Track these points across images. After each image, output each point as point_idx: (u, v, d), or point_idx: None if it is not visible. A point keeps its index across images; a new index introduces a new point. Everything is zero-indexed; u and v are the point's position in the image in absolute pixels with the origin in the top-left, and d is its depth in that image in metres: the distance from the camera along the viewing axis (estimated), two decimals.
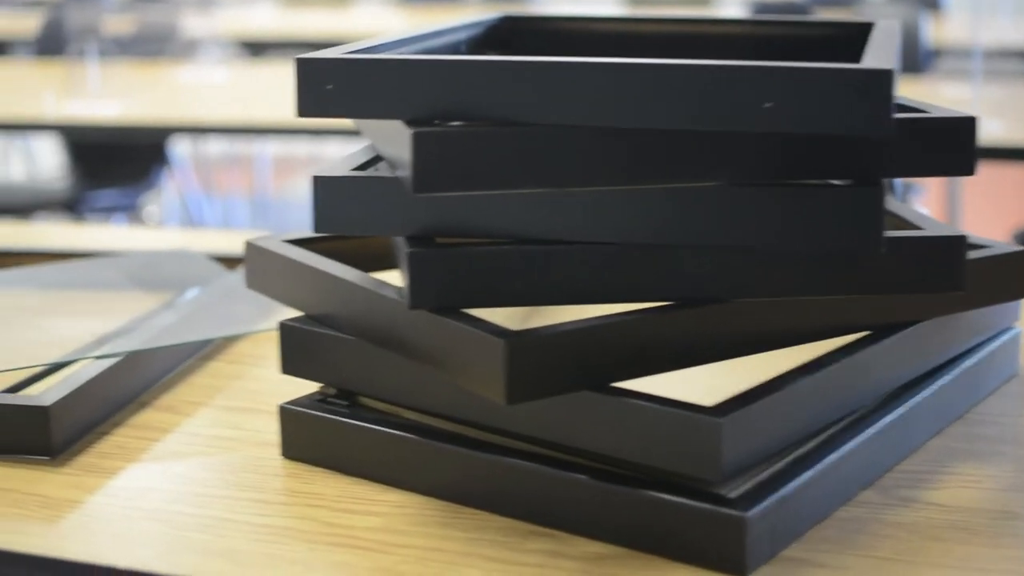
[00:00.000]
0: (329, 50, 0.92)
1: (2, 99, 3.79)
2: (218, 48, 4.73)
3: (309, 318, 1.02)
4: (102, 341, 1.22)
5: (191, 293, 1.37)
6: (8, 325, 1.30)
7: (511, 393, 0.85)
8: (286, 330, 1.02)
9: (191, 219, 5.04)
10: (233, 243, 1.59)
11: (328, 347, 1.00)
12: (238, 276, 1.31)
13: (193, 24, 4.88)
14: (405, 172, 0.87)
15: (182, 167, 4.81)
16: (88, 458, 1.02)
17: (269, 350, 1.23)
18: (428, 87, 0.86)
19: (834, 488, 0.90)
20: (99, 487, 0.97)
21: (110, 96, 3.48)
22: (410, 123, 0.86)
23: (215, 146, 5.79)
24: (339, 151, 6.42)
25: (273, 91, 3.88)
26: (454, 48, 1.13)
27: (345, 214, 0.93)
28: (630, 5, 6.17)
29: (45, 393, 1.02)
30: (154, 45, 4.47)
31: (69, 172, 4.17)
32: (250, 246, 1.08)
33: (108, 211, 4.02)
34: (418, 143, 0.85)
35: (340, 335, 0.99)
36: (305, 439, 1.00)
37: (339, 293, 0.98)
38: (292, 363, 1.03)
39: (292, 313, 1.04)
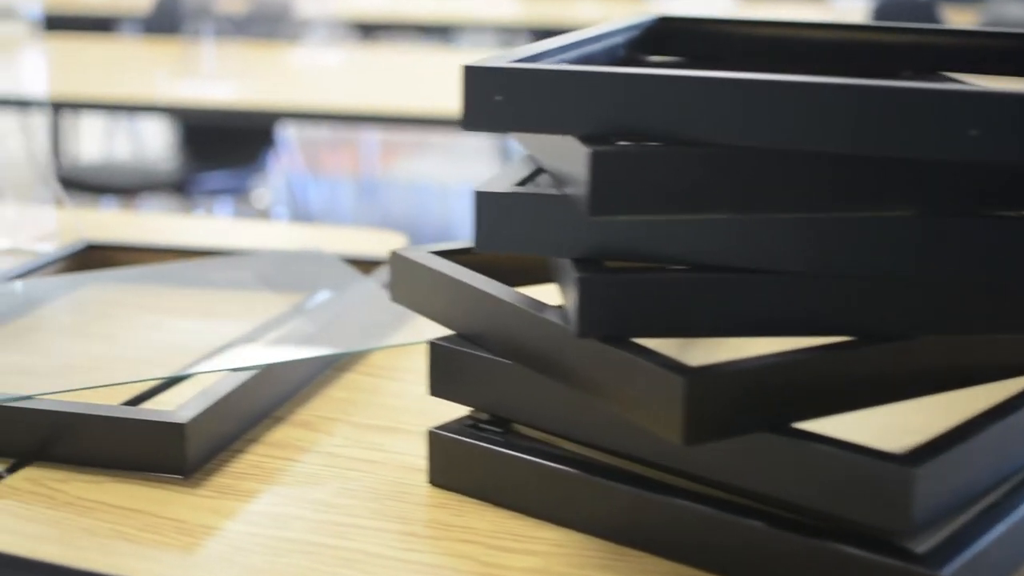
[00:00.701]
0: (495, 58, 0.86)
1: (112, 78, 3.77)
2: (330, 29, 4.69)
3: (459, 337, 0.97)
4: (231, 347, 1.17)
5: (321, 296, 1.32)
6: (132, 327, 1.26)
7: (689, 433, 0.79)
8: (436, 350, 0.97)
9: (296, 202, 5.01)
10: (364, 244, 1.54)
11: (481, 370, 0.94)
12: (372, 282, 1.25)
13: (306, 4, 4.84)
14: (578, 191, 0.81)
15: (288, 148, 4.77)
16: (223, 479, 0.96)
17: (406, 362, 1.17)
18: (607, 101, 0.80)
19: None
20: (237, 512, 0.91)
21: (223, 77, 3.45)
22: (585, 140, 0.80)
23: (321, 127, 5.76)
24: (445, 140, 6.38)
25: (385, 75, 3.83)
26: (612, 53, 1.07)
27: (508, 232, 0.87)
28: (743, 4, 6.06)
29: (180, 409, 0.97)
30: (267, 25, 4.43)
31: (178, 153, 4.14)
32: (395, 257, 1.03)
33: (216, 193, 3.99)
34: (596, 163, 0.78)
35: (494, 358, 0.93)
36: (455, 467, 0.95)
37: (494, 313, 0.93)
38: (441, 385, 0.97)
39: (435, 328, 0.98)
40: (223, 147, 3.92)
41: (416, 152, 6.76)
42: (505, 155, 5.32)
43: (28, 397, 0.99)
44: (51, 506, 0.92)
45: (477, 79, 0.82)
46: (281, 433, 1.04)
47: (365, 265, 1.37)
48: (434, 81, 3.58)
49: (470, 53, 3.97)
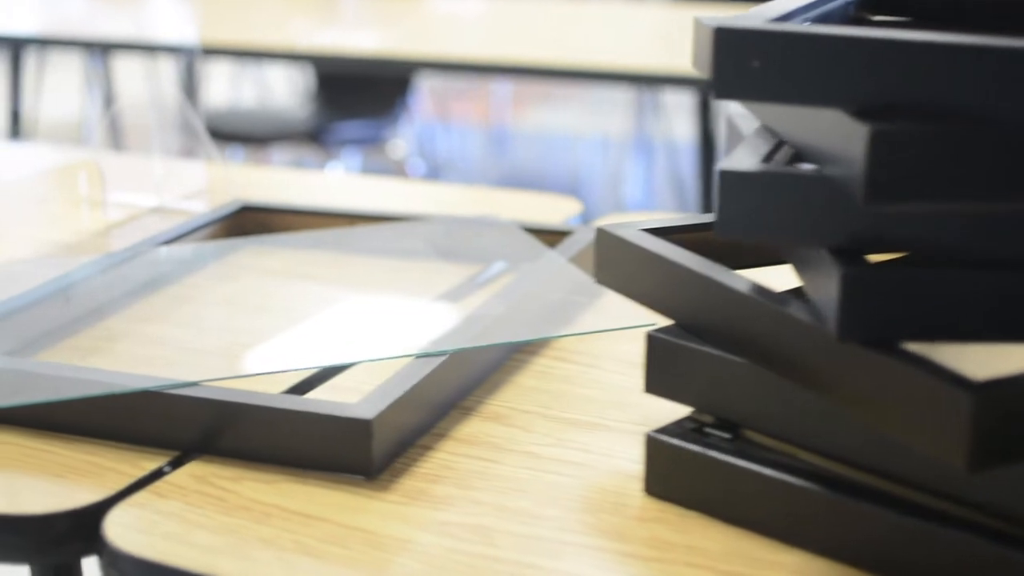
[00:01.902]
0: (747, 17, 0.74)
1: (243, 23, 3.68)
2: None
3: (679, 328, 0.85)
4: (406, 326, 1.07)
5: (497, 267, 1.21)
6: (293, 300, 1.16)
7: (974, 458, 0.67)
8: (655, 343, 0.85)
9: (424, 151, 4.92)
10: (536, 210, 1.43)
11: (707, 367, 0.83)
12: (558, 256, 1.14)
13: None
14: (847, 174, 0.69)
15: (419, 96, 4.67)
16: (413, 481, 0.86)
17: (601, 347, 1.07)
18: (889, 72, 0.68)
19: None
20: (431, 523, 0.81)
21: (364, 26, 3.35)
22: (859, 116, 0.68)
23: (455, 77, 5.65)
24: (579, 91, 6.24)
25: (521, 26, 3.71)
26: (844, 12, 0.95)
27: (757, 216, 0.75)
28: None
29: (365, 402, 0.86)
30: None
31: (312, 102, 4.05)
32: (602, 234, 0.91)
33: (351, 143, 3.89)
34: (877, 144, 0.66)
35: (724, 354, 0.81)
36: (676, 476, 0.83)
37: (725, 304, 0.81)
38: (659, 381, 0.86)
39: (631, 309, 0.87)
40: (358, 97, 3.83)
41: (547, 102, 6.64)
42: (639, 108, 5.19)
43: (193, 384, 0.89)
44: (223, 510, 0.82)
45: (731, 42, 0.71)
46: (472, 427, 0.93)
47: (543, 235, 1.25)
48: (568, 32, 3.46)
49: (602, 6, 3.84)
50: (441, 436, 0.92)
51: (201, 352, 1.05)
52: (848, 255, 0.73)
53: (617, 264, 0.90)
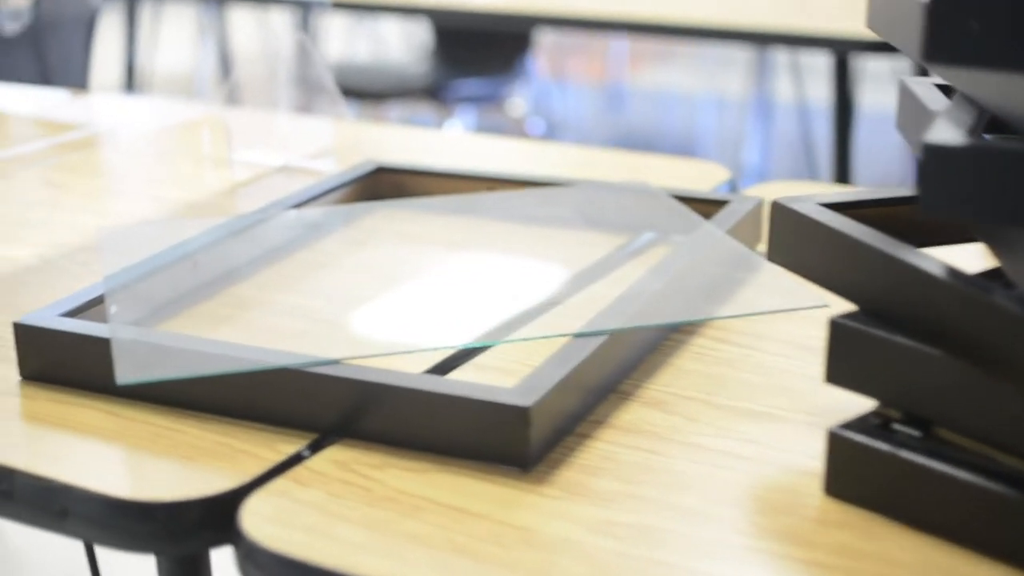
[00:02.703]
0: None
1: None
2: None
3: (864, 314, 0.77)
4: (555, 301, 1.00)
5: (646, 237, 1.14)
6: (431, 269, 1.09)
7: None
8: (839, 330, 0.78)
9: (540, 109, 4.84)
10: (681, 176, 1.35)
11: (896, 358, 0.75)
12: (714, 227, 1.06)
13: None
14: None
15: (535, 53, 4.59)
16: (572, 473, 0.79)
17: (764, 327, 0.99)
18: None
19: None
20: (595, 521, 0.74)
21: None
22: None
23: (571, 33, 5.57)
24: (696, 49, 6.13)
25: None
26: None
27: (963, 194, 0.67)
28: None
29: (522, 388, 0.80)
30: None
31: (430, 57, 3.98)
32: (778, 208, 0.84)
33: (470, 101, 3.82)
34: None
35: (915, 344, 0.74)
36: (861, 477, 0.76)
37: (916, 289, 0.73)
38: (841, 371, 0.78)
39: (801, 290, 0.80)
40: (477, 53, 3.75)
41: (664, 60, 6.54)
42: (761, 68, 5.08)
43: (335, 362, 0.82)
44: (369, 501, 0.76)
45: (948, 2, 0.63)
46: (631, 414, 0.86)
47: (693, 203, 1.18)
48: None
49: None
50: (599, 423, 0.85)
51: (338, 325, 0.99)
52: None
53: (793, 241, 0.83)
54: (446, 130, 3.88)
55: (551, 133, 5.15)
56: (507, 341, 0.92)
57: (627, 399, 0.88)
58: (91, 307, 0.94)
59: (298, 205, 1.16)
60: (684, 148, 5.72)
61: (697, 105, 6.08)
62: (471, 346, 0.91)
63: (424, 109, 4.10)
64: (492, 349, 0.94)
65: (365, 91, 3.83)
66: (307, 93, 1.50)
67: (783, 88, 5.40)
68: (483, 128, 4.52)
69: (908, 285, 0.74)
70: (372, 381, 0.81)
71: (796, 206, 0.83)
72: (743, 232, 1.09)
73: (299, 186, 1.32)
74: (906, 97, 0.94)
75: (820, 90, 4.43)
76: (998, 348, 0.69)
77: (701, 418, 0.86)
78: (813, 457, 0.80)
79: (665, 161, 1.44)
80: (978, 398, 0.72)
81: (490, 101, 3.94)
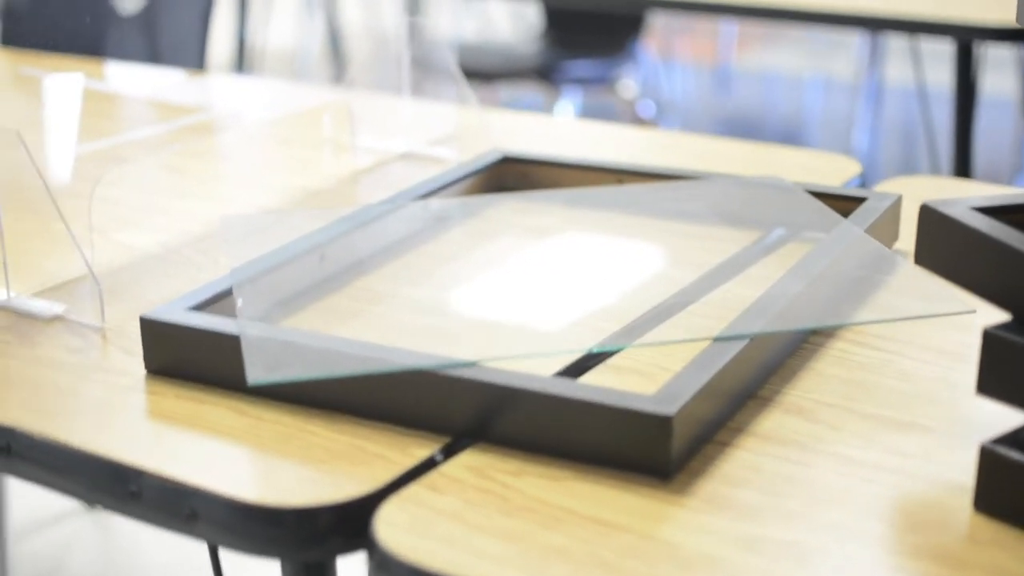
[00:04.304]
0: None
1: None
2: None
3: (1020, 324, 0.74)
4: (687, 300, 0.97)
5: (779, 233, 1.11)
6: (557, 263, 1.06)
7: None
8: (992, 341, 0.74)
9: (648, 91, 4.80)
10: (812, 169, 1.32)
11: None
12: (853, 227, 1.03)
13: None
14: None
15: (645, 35, 4.55)
16: (715, 484, 0.77)
17: (903, 332, 0.97)
18: None
19: None
20: (741, 537, 0.72)
21: None
22: None
23: (681, 16, 5.52)
24: (804, 32, 6.05)
25: None
26: None
27: None
28: None
29: (663, 395, 0.77)
30: None
31: (542, 38, 3.95)
32: (928, 212, 0.81)
33: (582, 82, 3.79)
34: None
35: None
36: (1015, 494, 0.73)
37: None
38: (994, 383, 0.75)
39: (946, 293, 0.77)
40: (588, 34, 3.72)
41: (772, 42, 6.47)
42: (873, 51, 5.00)
43: (471, 364, 0.80)
44: (506, 511, 0.74)
45: None
46: (773, 421, 0.84)
47: (828, 199, 1.15)
48: None
49: None
50: (739, 431, 0.82)
51: (469, 322, 0.97)
52: None
53: (944, 247, 0.80)
54: (558, 114, 3.86)
55: (660, 115, 5.11)
56: (645, 344, 0.90)
57: (767, 405, 0.85)
58: (218, 300, 0.93)
59: (424, 196, 1.14)
60: (791, 131, 5.65)
61: (805, 87, 6.02)
62: (608, 349, 0.89)
63: (533, 90, 4.07)
64: (627, 350, 0.91)
65: (473, 71, 3.80)
66: (425, 75, 1.48)
67: (894, 72, 5.33)
68: (592, 110, 4.49)
69: None
70: (508, 385, 0.79)
71: (948, 210, 0.80)
72: (880, 231, 1.06)
73: (421, 174, 1.30)
74: None
75: (937, 75, 4.36)
76: None
77: (845, 427, 0.83)
78: (963, 471, 0.77)
79: (792, 153, 1.41)
80: None
81: (600, 83, 3.90)
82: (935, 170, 3.81)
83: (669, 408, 0.76)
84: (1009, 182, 4.68)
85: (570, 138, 1.50)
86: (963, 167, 2.88)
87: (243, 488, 0.76)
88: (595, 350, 0.89)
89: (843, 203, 1.12)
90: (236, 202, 1.25)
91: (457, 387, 0.80)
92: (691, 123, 5.55)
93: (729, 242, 1.10)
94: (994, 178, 4.74)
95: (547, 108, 3.78)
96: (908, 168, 5.00)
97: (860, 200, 1.12)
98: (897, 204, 1.10)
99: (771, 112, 5.81)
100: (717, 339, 0.84)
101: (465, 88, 1.40)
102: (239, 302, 0.92)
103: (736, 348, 0.83)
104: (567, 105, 3.81)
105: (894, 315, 0.92)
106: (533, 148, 1.41)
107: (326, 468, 0.78)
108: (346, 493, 0.76)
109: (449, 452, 0.80)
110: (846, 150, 5.13)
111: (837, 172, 1.33)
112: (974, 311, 0.85)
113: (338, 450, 0.80)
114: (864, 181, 1.33)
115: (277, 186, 1.29)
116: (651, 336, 0.92)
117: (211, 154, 1.41)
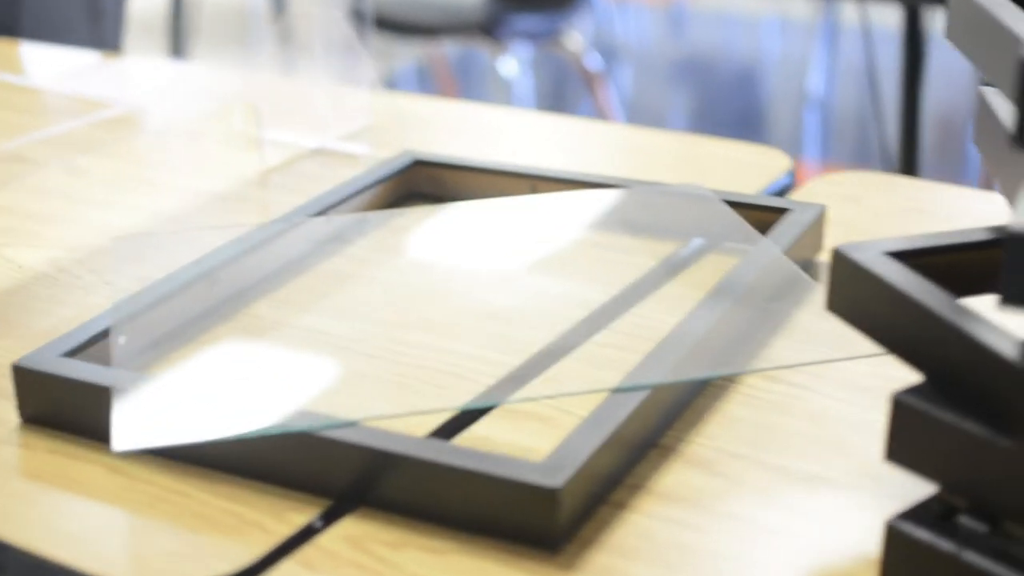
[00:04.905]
0: None
1: None
2: None
3: (932, 390, 0.70)
4: (599, 325, 0.93)
5: (693, 247, 1.07)
6: (473, 292, 1.02)
7: None
8: (901, 409, 0.70)
9: (600, 35, 4.75)
10: (741, 166, 1.27)
11: (963, 445, 0.68)
12: (770, 245, 0.99)
13: None
14: None
15: None
16: (606, 556, 0.73)
17: (823, 366, 0.91)
18: None
19: None
20: None
21: None
22: None
23: None
24: None
25: None
26: None
27: None
28: None
29: (550, 465, 0.73)
30: None
31: None
32: (839, 257, 0.76)
33: (527, 37, 3.73)
34: None
35: (985, 433, 0.66)
36: (922, 574, 0.69)
37: (983, 369, 0.66)
38: (903, 452, 0.72)
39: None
40: None
41: None
42: None
43: (350, 424, 0.76)
44: None
45: None
46: (673, 476, 0.79)
47: (751, 209, 1.10)
48: None
49: None
50: (637, 488, 0.78)
51: (356, 363, 0.92)
52: None
53: (855, 296, 0.76)
54: (501, 69, 3.79)
55: (611, 62, 5.05)
56: (533, 399, 0.85)
57: (669, 456, 0.81)
58: (97, 341, 0.88)
59: (332, 205, 1.09)
60: (746, 74, 5.61)
61: (761, 27, 5.96)
62: (487, 404, 0.84)
63: (478, 45, 4.00)
64: (530, 385, 0.87)
65: (416, 26, 3.74)
66: (340, 56, 1.43)
67: (852, 12, 5.28)
68: (540, 64, 4.43)
69: (979, 365, 0.67)
70: (384, 449, 0.75)
71: (858, 257, 0.76)
72: (802, 244, 1.02)
73: (332, 174, 1.25)
74: (983, 109, 0.86)
75: (889, 16, 4.31)
76: None
77: (748, 480, 0.79)
78: (872, 536, 0.73)
79: (725, 147, 1.36)
80: None
81: (547, 36, 3.84)
82: (881, 117, 3.77)
83: (556, 479, 0.72)
84: (964, 123, 4.65)
85: (490, 125, 1.45)
86: (911, 109, 2.86)
87: (110, 565, 0.72)
88: (483, 405, 0.84)
89: (769, 214, 1.08)
90: (138, 210, 1.19)
91: (335, 449, 0.76)
92: (644, 70, 5.50)
93: (643, 255, 1.06)
94: (949, 117, 4.71)
95: (492, 63, 3.71)
96: (862, 112, 4.96)
97: (785, 211, 1.07)
98: (821, 216, 1.06)
99: (726, 54, 5.76)
100: (615, 391, 0.80)
101: (369, 68, 1.35)
102: (118, 343, 0.87)
103: (635, 401, 0.79)
104: (511, 61, 3.75)
105: (802, 358, 0.88)
106: (450, 138, 1.36)
107: (197, 541, 0.74)
108: (216, 571, 0.71)
109: (331, 516, 0.76)
110: (801, 94, 5.10)
111: (770, 167, 1.29)
112: (886, 353, 0.80)
113: (212, 516, 0.76)
114: (794, 180, 1.29)
115: (184, 190, 1.24)
116: (546, 382, 0.88)
117: (116, 154, 1.35)
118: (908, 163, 3.14)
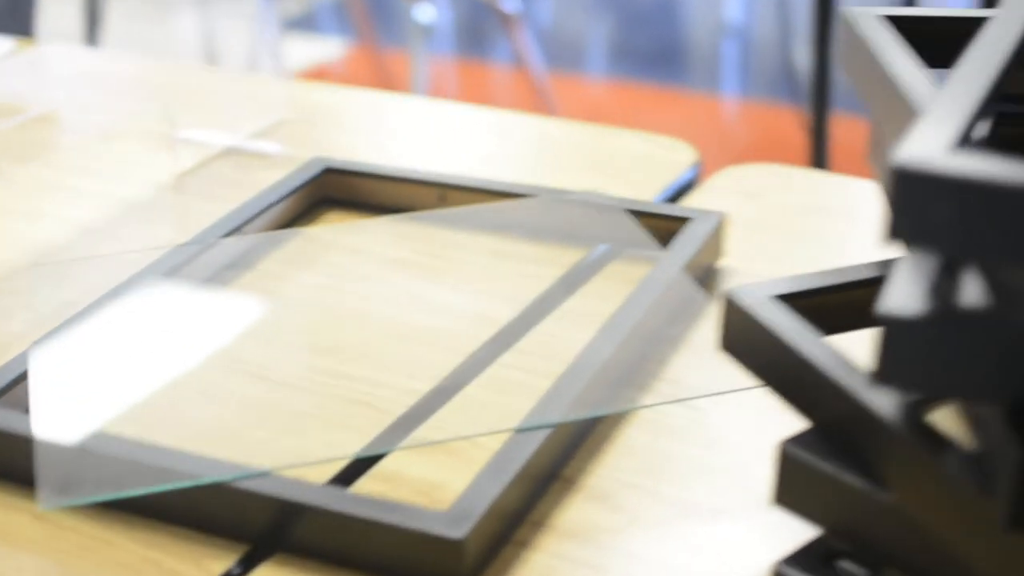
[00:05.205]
0: (929, 139, 0.61)
1: None
2: None
3: (818, 438, 0.74)
4: (504, 344, 0.97)
5: (596, 256, 1.10)
6: (382, 318, 1.05)
7: None
8: (787, 457, 0.74)
9: None
10: (647, 161, 1.31)
11: (845, 496, 0.72)
12: (670, 264, 1.03)
13: None
14: None
15: None
16: None
17: (718, 380, 0.95)
18: None
19: None
20: None
21: None
22: None
23: None
24: None
25: None
26: None
27: (922, 369, 0.63)
28: None
29: (454, 512, 0.76)
30: None
31: None
32: (729, 302, 0.80)
33: None
34: None
35: (866, 486, 0.70)
36: None
37: (862, 425, 0.70)
38: (789, 498, 0.75)
39: None
40: None
41: None
42: None
43: (263, 474, 0.79)
44: None
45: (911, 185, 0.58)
46: (573, 511, 0.83)
47: (652, 218, 1.13)
48: None
49: None
50: (539, 524, 0.82)
51: (256, 409, 0.94)
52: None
53: (744, 340, 0.80)
54: (416, 17, 3.77)
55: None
56: (431, 443, 0.88)
57: (569, 489, 0.85)
58: (15, 385, 0.90)
59: (242, 224, 1.11)
60: (666, 4, 5.62)
61: None
62: (382, 452, 0.87)
63: None
64: (436, 416, 0.91)
65: None
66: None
67: None
68: (458, 5, 4.43)
69: (860, 423, 0.70)
70: (289, 499, 0.78)
71: (746, 302, 0.79)
72: (705, 252, 1.06)
73: (247, 176, 1.27)
74: (851, 39, 0.89)
75: None
76: (945, 514, 0.65)
77: (645, 515, 0.83)
78: (767, 570, 0.77)
79: (634, 140, 1.39)
80: (929, 546, 0.69)
81: None
82: (792, 48, 3.79)
83: (460, 530, 0.75)
84: None
85: (404, 117, 1.47)
86: (823, 41, 2.89)
87: None
88: (371, 453, 0.87)
89: (670, 223, 1.12)
90: (60, 221, 1.21)
91: (245, 499, 0.79)
92: (563, 4, 5.50)
93: (549, 267, 1.09)
94: None
95: (407, 10, 3.71)
96: (782, 42, 4.98)
97: (685, 220, 1.11)
98: (721, 224, 1.10)
99: None
100: (518, 430, 0.84)
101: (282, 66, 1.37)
102: (37, 385, 0.89)
103: (542, 435, 0.83)
104: (428, 7, 3.74)
105: (702, 382, 0.92)
106: (363, 132, 1.39)
107: None
108: None
109: (249, 562, 0.79)
110: (719, 22, 5.11)
111: (675, 162, 1.32)
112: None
113: (135, 565, 0.79)
114: (699, 169, 1.32)
115: (96, 194, 1.26)
116: (453, 412, 0.91)
117: (28, 156, 1.36)
118: (819, 95, 3.17)
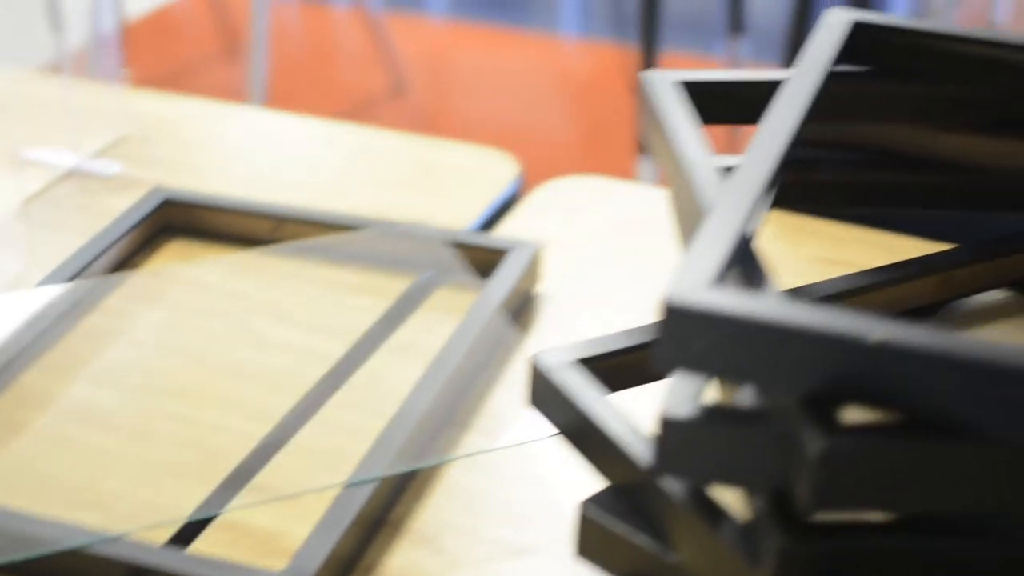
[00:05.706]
0: (696, 279, 0.70)
1: None
2: None
3: (615, 497, 0.83)
4: (335, 385, 1.05)
5: (426, 278, 1.18)
6: (212, 353, 1.11)
7: None
8: (585, 518, 0.83)
9: None
10: (469, 174, 1.38)
11: (636, 556, 0.81)
12: (488, 301, 1.11)
13: None
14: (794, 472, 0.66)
15: None
16: None
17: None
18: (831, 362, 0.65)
19: None
20: None
21: None
22: (806, 408, 0.65)
23: None
24: None
25: None
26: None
27: (692, 461, 0.73)
28: None
29: (293, 568, 0.84)
30: None
31: None
32: (533, 367, 0.88)
33: None
34: (825, 460, 0.64)
35: (656, 549, 0.80)
36: None
37: (651, 494, 0.79)
38: (588, 551, 0.85)
39: None
40: None
41: None
42: None
43: (113, 539, 0.87)
44: None
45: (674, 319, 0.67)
46: (400, 556, 0.91)
47: (472, 250, 1.21)
48: None
49: None
50: (370, 570, 0.90)
51: (128, 450, 1.01)
52: (788, 517, 0.71)
53: (547, 402, 0.88)
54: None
55: None
56: (265, 502, 0.95)
57: (396, 533, 0.92)
58: None
59: (85, 266, 1.17)
60: None
61: None
62: (212, 514, 0.94)
63: None
64: (273, 463, 0.98)
65: None
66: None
67: None
68: None
69: (647, 490, 0.79)
70: (134, 562, 0.85)
71: (547, 365, 0.87)
72: (523, 282, 1.14)
73: (91, 201, 1.32)
74: (650, 112, 0.97)
75: None
76: None
77: (465, 556, 0.91)
78: None
79: (457, 153, 1.46)
80: None
81: None
82: None
83: None
84: None
85: (242, 130, 1.53)
86: None
87: None
88: (200, 517, 0.94)
89: (490, 255, 1.19)
90: None
91: (98, 563, 0.86)
92: None
93: (377, 299, 1.16)
94: None
95: None
96: None
97: (503, 252, 1.19)
98: (537, 255, 1.18)
99: None
100: (348, 485, 0.91)
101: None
102: None
103: (366, 494, 0.91)
104: None
105: (514, 423, 1.00)
106: (204, 148, 1.44)
107: None
108: None
109: None
110: None
111: (498, 177, 1.40)
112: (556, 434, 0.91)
113: None
114: (522, 181, 1.40)
115: None
116: (288, 455, 0.98)
117: None
118: (648, 34, 3.24)
